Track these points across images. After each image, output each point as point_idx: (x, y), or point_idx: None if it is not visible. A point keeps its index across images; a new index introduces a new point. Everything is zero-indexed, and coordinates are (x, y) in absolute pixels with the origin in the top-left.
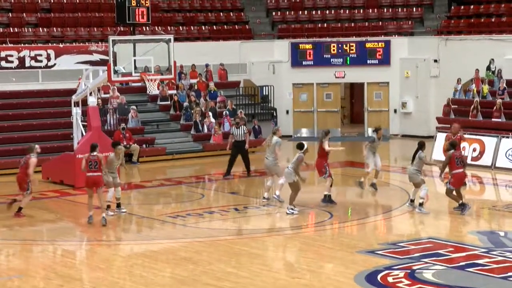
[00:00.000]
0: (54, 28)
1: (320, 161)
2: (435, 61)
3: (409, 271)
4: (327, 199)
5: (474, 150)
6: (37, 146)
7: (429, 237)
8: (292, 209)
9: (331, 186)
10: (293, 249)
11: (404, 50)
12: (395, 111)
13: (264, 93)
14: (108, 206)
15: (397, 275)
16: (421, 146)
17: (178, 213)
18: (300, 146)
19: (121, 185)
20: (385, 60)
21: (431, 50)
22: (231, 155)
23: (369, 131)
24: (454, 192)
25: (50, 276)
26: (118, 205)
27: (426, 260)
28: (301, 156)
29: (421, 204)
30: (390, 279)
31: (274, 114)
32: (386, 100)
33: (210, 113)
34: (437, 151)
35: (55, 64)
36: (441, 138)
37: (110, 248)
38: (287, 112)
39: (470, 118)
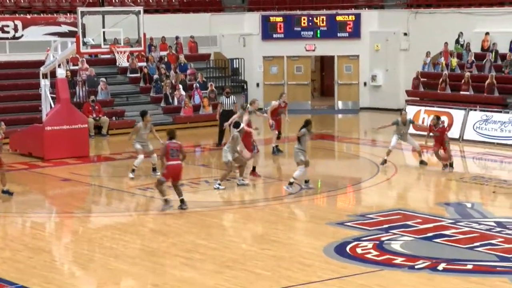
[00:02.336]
0: None
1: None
2: (405, 34)
3: (378, 242)
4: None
5: (442, 122)
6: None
7: (398, 208)
8: (219, 184)
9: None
10: (262, 221)
11: (374, 23)
12: (365, 84)
13: (235, 66)
14: (133, 170)
15: (366, 246)
16: (307, 124)
17: (148, 185)
18: (236, 125)
19: (153, 152)
20: (355, 33)
21: (401, 23)
22: (220, 124)
23: (340, 104)
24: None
25: (19, 248)
26: (154, 169)
27: (394, 231)
28: (236, 135)
29: (290, 183)
30: (359, 250)
31: (245, 87)
32: (356, 73)
33: (180, 86)
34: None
35: (22, 35)
36: (410, 111)
37: (79, 220)
38: (258, 85)
39: (438, 91)
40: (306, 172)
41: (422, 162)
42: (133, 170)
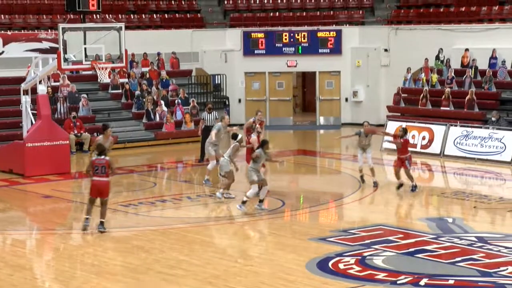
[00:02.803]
0: (2, 15)
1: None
2: (386, 50)
3: (360, 257)
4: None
5: (424, 138)
6: None
7: (379, 224)
8: (223, 194)
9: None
10: (245, 237)
11: (355, 39)
12: (346, 99)
13: (217, 82)
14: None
15: (348, 261)
16: (263, 145)
17: (130, 201)
18: (234, 136)
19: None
20: (337, 49)
21: (382, 40)
22: (202, 140)
23: (321, 120)
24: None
25: None
26: None
27: (376, 246)
28: (237, 145)
29: (243, 202)
30: (341, 266)
31: (227, 102)
32: (338, 89)
33: (162, 102)
34: (388, 139)
35: (3, 52)
36: (391, 126)
37: (60, 237)
38: (240, 100)
39: (419, 106)
40: (264, 191)
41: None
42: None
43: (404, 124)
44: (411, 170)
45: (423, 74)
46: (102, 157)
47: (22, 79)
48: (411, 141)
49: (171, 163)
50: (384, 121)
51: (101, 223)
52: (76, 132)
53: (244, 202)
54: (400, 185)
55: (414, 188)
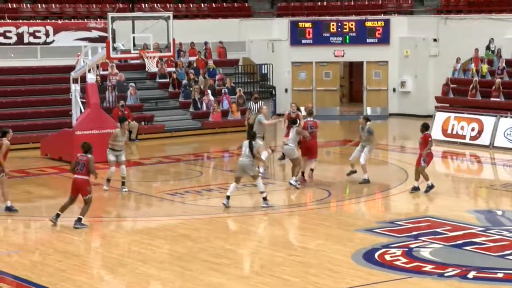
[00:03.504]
0: (53, 4)
1: None
2: (435, 40)
3: (407, 249)
4: None
5: (473, 129)
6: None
7: (427, 215)
8: (296, 181)
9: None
10: (290, 227)
11: (403, 29)
12: (394, 90)
13: (263, 72)
14: (108, 180)
15: (395, 253)
16: (253, 137)
17: (176, 190)
18: (294, 122)
19: (125, 163)
20: (385, 39)
21: (431, 29)
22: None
23: (368, 110)
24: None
25: (48, 252)
26: (123, 184)
27: (423, 238)
28: (298, 130)
29: (264, 199)
30: (387, 257)
31: (273, 92)
32: (385, 79)
33: (209, 91)
34: (436, 130)
35: (53, 41)
36: (440, 117)
37: (108, 224)
38: (286, 90)
39: (469, 97)
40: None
41: (351, 173)
42: (108, 181)
43: (452, 116)
44: (424, 168)
45: (473, 64)
46: (85, 154)
47: (71, 68)
48: (460, 132)
49: (217, 152)
50: (433, 112)
51: (78, 219)
52: None
53: (265, 199)
54: (351, 172)
55: (428, 188)
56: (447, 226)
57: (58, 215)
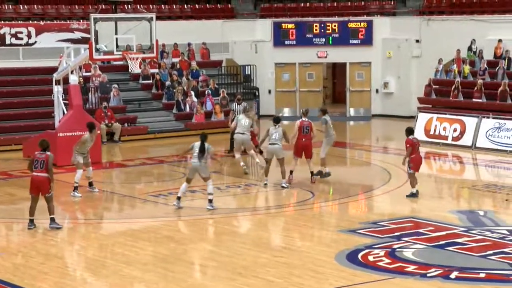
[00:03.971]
0: (35, 5)
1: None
2: (417, 41)
3: (390, 249)
4: None
5: (455, 130)
6: None
7: (410, 216)
8: (285, 183)
9: None
10: (274, 228)
11: (386, 30)
12: (377, 91)
13: (247, 73)
14: (75, 188)
15: (378, 254)
16: (205, 138)
17: (160, 192)
18: (277, 120)
19: (90, 164)
20: (368, 40)
21: (413, 30)
22: (232, 131)
23: (351, 111)
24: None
25: (31, 254)
26: (90, 184)
27: (406, 239)
28: (284, 130)
29: (210, 201)
30: (370, 258)
31: (256, 93)
32: (368, 80)
33: (192, 92)
34: (418, 131)
35: (36, 42)
36: (422, 118)
37: (91, 226)
38: (269, 91)
39: (451, 98)
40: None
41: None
42: (76, 188)
43: (435, 117)
44: (411, 174)
45: (455, 65)
46: (43, 152)
47: (54, 69)
48: (442, 133)
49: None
50: (415, 113)
51: (52, 219)
52: (107, 122)
53: (210, 201)
54: (318, 173)
55: (411, 195)
56: (429, 226)
57: (31, 221)
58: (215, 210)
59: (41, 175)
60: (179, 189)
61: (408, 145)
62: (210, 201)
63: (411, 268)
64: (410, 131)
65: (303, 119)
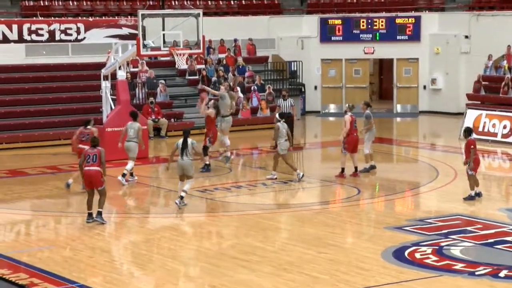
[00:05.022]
0: (84, 2)
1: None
2: (466, 37)
3: (437, 247)
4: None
5: (505, 127)
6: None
7: (457, 213)
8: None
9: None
10: (320, 224)
11: (434, 25)
12: (424, 87)
13: (293, 69)
14: (124, 175)
15: (425, 251)
16: (188, 134)
17: (206, 187)
18: (281, 116)
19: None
20: (415, 36)
21: (462, 26)
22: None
23: (398, 108)
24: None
25: (79, 247)
26: (124, 175)
27: (454, 236)
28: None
29: (181, 197)
30: (417, 255)
31: (302, 89)
32: (416, 76)
33: (238, 88)
34: None
35: (84, 38)
36: (471, 115)
37: (138, 221)
38: (316, 87)
39: (501, 94)
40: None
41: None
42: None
43: (484, 113)
44: (472, 175)
45: (505, 61)
46: (96, 148)
47: (102, 65)
48: (491, 130)
49: (246, 150)
50: (464, 110)
51: (99, 213)
52: (154, 117)
53: (181, 198)
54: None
55: (469, 197)
56: (478, 224)
57: (90, 214)
58: (261, 205)
59: (93, 168)
60: (178, 189)
61: (472, 146)
62: (182, 198)
63: (459, 266)
64: (470, 131)
65: (351, 113)
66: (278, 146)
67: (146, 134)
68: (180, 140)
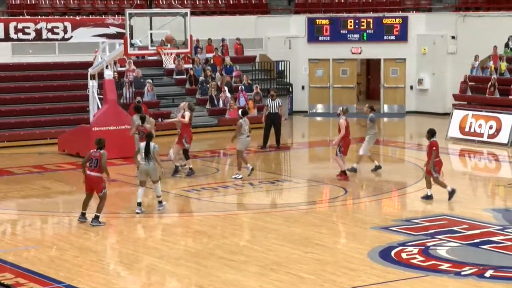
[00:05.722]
0: (71, 1)
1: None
2: (453, 37)
3: (423, 247)
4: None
5: (491, 127)
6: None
7: (443, 214)
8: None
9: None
10: (307, 224)
11: (421, 26)
12: (411, 87)
13: (280, 68)
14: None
15: (411, 251)
16: (151, 138)
17: (193, 186)
18: (244, 113)
19: None
20: (402, 36)
21: (449, 27)
22: (265, 127)
23: (385, 108)
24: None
25: (65, 247)
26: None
27: (440, 236)
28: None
29: (160, 202)
30: (404, 255)
31: (290, 89)
32: (403, 77)
33: (226, 88)
34: (453, 128)
35: (71, 37)
36: (457, 115)
37: (125, 220)
38: (303, 87)
39: (487, 95)
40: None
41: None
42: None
43: (470, 114)
44: (437, 178)
45: (491, 62)
46: (99, 151)
47: (89, 64)
48: (477, 130)
49: (233, 149)
50: (450, 110)
51: (95, 217)
52: None
53: (160, 202)
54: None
55: (450, 195)
56: (464, 224)
57: (83, 214)
58: (248, 205)
59: (93, 174)
60: (137, 195)
61: (434, 148)
62: (160, 202)
63: (445, 266)
64: (433, 133)
65: (345, 117)
66: (238, 142)
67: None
68: (143, 144)
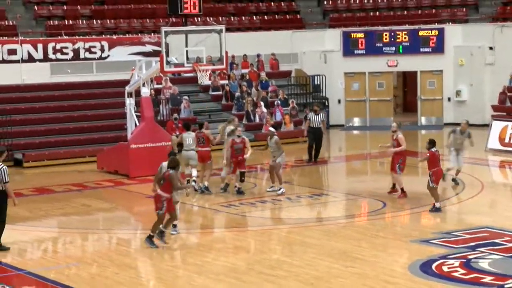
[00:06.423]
0: (108, 20)
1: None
2: (490, 48)
3: (465, 260)
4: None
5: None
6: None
7: (485, 226)
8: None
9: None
10: (346, 238)
11: (458, 37)
12: (449, 99)
13: (316, 83)
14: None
15: (452, 264)
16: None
17: (231, 202)
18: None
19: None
20: (439, 48)
21: (486, 37)
22: (309, 141)
23: (423, 120)
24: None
25: (105, 264)
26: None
27: (481, 249)
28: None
29: (175, 226)
30: (445, 268)
31: (326, 103)
32: (440, 89)
33: (262, 103)
34: (493, 139)
35: (108, 56)
36: (497, 126)
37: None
38: (339, 101)
39: None
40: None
41: (454, 181)
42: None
43: (510, 125)
44: (433, 188)
45: None
46: (169, 170)
47: (126, 82)
48: None
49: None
50: (489, 121)
51: (149, 236)
52: (178, 133)
53: (174, 226)
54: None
55: (434, 209)
56: (506, 236)
57: (162, 232)
58: (286, 220)
59: (158, 192)
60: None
61: (427, 155)
62: (175, 226)
63: (487, 279)
64: (433, 143)
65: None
66: (279, 157)
67: (171, 150)
68: (165, 163)
